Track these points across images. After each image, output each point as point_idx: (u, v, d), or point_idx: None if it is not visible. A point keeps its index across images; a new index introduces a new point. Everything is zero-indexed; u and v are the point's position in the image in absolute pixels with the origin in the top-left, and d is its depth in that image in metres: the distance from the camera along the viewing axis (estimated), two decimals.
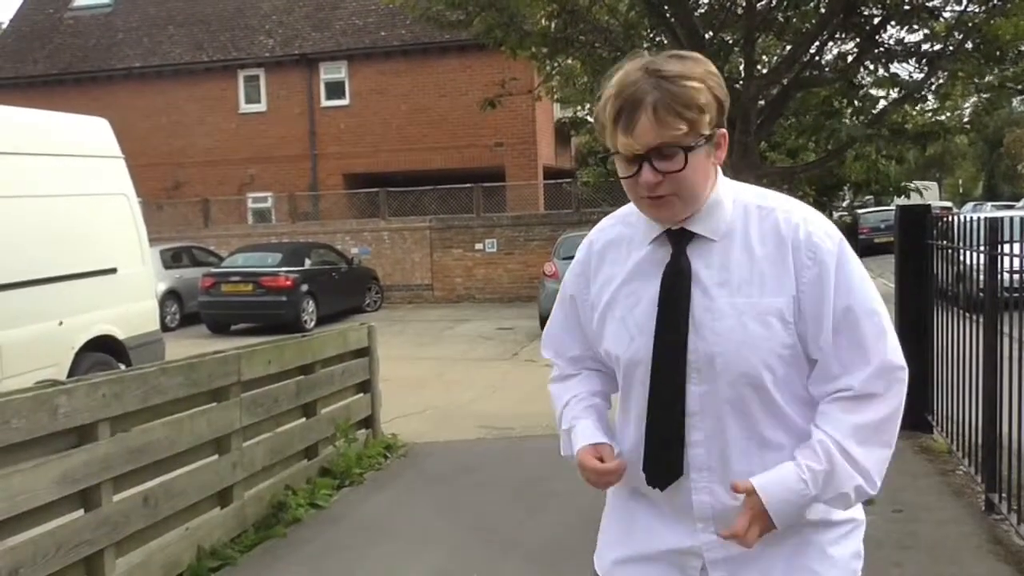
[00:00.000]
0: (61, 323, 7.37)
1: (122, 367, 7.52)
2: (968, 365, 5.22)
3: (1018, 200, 36.16)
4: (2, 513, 3.41)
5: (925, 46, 7.30)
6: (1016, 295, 4.77)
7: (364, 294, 19.75)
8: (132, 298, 8.40)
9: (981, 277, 4.90)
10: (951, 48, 7.06)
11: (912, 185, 16.62)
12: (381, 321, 10.92)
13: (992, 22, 6.87)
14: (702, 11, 7.41)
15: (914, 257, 6.55)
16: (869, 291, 1.71)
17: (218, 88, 25.51)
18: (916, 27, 7.31)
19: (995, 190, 52.91)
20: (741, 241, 1.71)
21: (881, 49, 7.36)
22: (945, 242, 6.05)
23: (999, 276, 4.77)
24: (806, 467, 1.65)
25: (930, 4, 7.03)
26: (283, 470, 5.68)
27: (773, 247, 1.70)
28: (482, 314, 18.68)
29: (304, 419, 6.03)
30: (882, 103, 8.20)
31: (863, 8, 7.12)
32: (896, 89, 7.80)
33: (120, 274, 8.22)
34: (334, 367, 6.49)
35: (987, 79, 8.15)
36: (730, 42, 7.59)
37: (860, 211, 33.45)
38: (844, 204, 34.33)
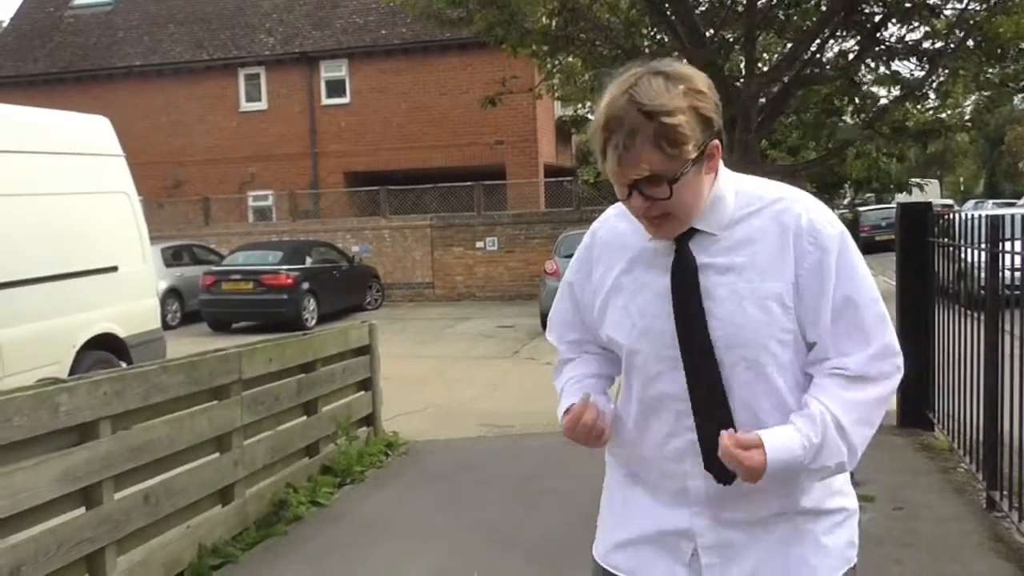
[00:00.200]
0: (61, 321, 7.38)
1: (123, 365, 7.52)
2: (969, 363, 5.22)
3: (1019, 198, 36.17)
4: (4, 511, 3.41)
5: (926, 44, 7.29)
6: (1017, 293, 4.78)
7: (365, 292, 19.76)
8: (133, 296, 8.40)
9: (982, 275, 4.90)
10: (952, 46, 7.05)
11: (916, 181, 16.64)
12: (382, 319, 10.92)
13: (993, 20, 6.86)
14: (703, 9, 7.41)
15: (915, 255, 6.55)
16: (868, 279, 1.76)
17: (219, 86, 25.51)
18: (917, 25, 7.31)
19: (996, 188, 52.89)
20: (743, 231, 1.75)
21: (882, 47, 7.35)
22: (946, 240, 6.05)
23: (1000, 274, 4.77)
24: (806, 435, 1.67)
25: (931, 2, 7.02)
26: (284, 468, 5.68)
27: (774, 235, 1.73)
28: (483, 312, 18.68)
29: (305, 417, 6.03)
30: (883, 101, 8.20)
31: (864, 6, 7.12)
32: (897, 87, 7.80)
33: (121, 272, 8.23)
34: (335, 365, 6.49)
35: (988, 77, 8.14)
36: (731, 40, 7.58)
37: (861, 209, 33.45)
38: (845, 202, 34.34)
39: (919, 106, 8.47)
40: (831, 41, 7.55)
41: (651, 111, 1.60)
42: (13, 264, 6.91)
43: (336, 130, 25.02)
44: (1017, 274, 4.62)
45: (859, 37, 7.38)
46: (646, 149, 1.61)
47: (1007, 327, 4.72)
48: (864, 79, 8.02)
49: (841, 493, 1.84)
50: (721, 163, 1.76)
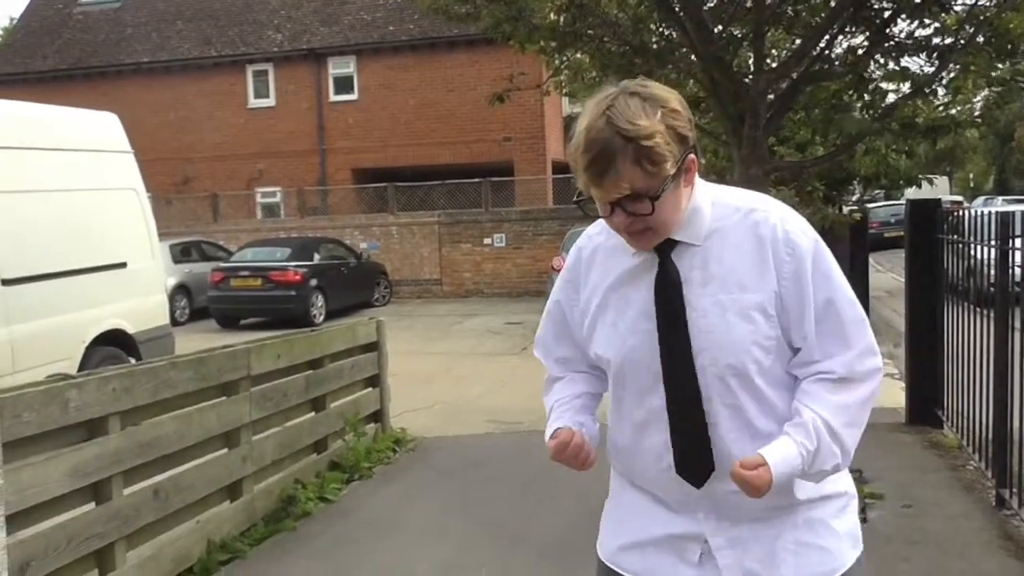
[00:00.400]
0: (71, 317, 7.40)
1: (132, 361, 7.55)
2: (979, 360, 5.20)
3: None
4: (13, 506, 3.41)
5: (936, 40, 7.24)
6: None
7: (373, 289, 19.77)
8: (142, 292, 8.43)
9: (992, 272, 4.88)
10: (962, 42, 7.01)
11: (925, 176, 16.55)
12: (390, 316, 10.93)
13: (1003, 16, 6.82)
14: (711, 5, 7.37)
15: (924, 252, 6.53)
16: (845, 283, 1.81)
17: (227, 83, 25.55)
18: (927, 21, 7.26)
19: (1006, 184, 52.63)
20: (722, 242, 1.80)
21: (891, 43, 7.31)
22: (956, 236, 6.03)
23: (1010, 271, 4.76)
24: (802, 444, 1.73)
25: None
26: (292, 464, 5.69)
27: (752, 246, 1.78)
28: (491, 309, 18.68)
29: (313, 413, 6.04)
30: (891, 97, 8.15)
31: (873, 1, 7.08)
32: (907, 83, 7.76)
33: (130, 269, 8.25)
34: (343, 361, 6.50)
35: (998, 73, 8.09)
36: (739, 36, 7.54)
37: (870, 205, 33.35)
38: (854, 198, 34.23)
39: (929, 102, 8.42)
40: (840, 37, 7.50)
41: (630, 135, 1.65)
42: (23, 260, 6.94)
43: (344, 127, 25.03)
44: None
45: (868, 33, 7.33)
46: (626, 169, 1.66)
47: (1017, 324, 4.71)
48: (873, 75, 7.97)
49: (839, 476, 1.88)
50: (696, 175, 1.81)
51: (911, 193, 18.95)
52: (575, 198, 1.88)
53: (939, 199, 7.38)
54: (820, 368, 1.77)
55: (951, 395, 6.02)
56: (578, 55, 8.75)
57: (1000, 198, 35.48)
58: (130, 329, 8.10)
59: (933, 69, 7.40)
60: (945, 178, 43.22)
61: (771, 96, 7.13)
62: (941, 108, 8.81)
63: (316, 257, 17.65)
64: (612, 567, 1.96)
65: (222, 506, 4.95)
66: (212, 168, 25.26)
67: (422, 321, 17.13)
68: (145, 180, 8.87)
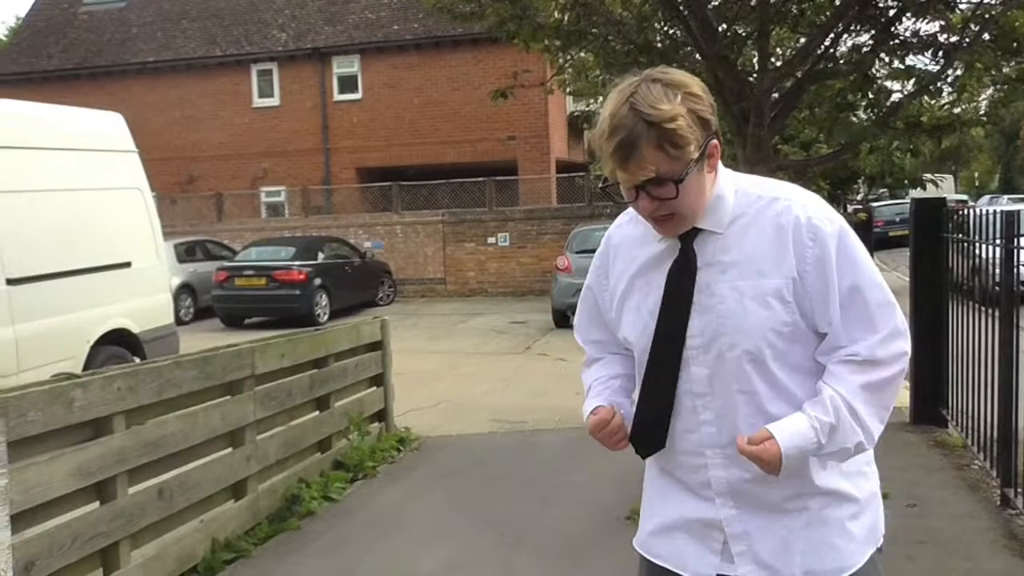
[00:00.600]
0: (75, 317, 7.42)
1: (137, 360, 7.56)
2: (983, 359, 5.18)
3: None
4: (18, 505, 3.42)
5: (941, 38, 7.23)
6: None
7: (377, 288, 19.79)
8: (146, 292, 8.44)
9: (997, 271, 4.87)
10: (967, 40, 6.99)
11: (929, 177, 16.56)
12: (394, 315, 10.94)
13: (1009, 14, 6.81)
14: (715, 3, 7.36)
15: (929, 251, 6.51)
16: (871, 266, 1.82)
17: (231, 82, 25.58)
18: (932, 19, 7.25)
19: (1012, 183, 52.51)
20: (743, 229, 1.83)
21: (896, 41, 7.29)
22: (960, 235, 6.02)
23: (1015, 270, 4.74)
24: (816, 418, 1.75)
25: None
26: (297, 463, 5.70)
27: (773, 233, 1.81)
28: (495, 308, 18.68)
29: (317, 412, 6.05)
30: (896, 95, 8.13)
31: (878, 0, 7.07)
32: (911, 81, 7.75)
33: (134, 268, 8.27)
34: (347, 361, 6.50)
35: (1004, 71, 8.07)
36: (744, 34, 7.54)
37: (875, 204, 33.29)
38: (859, 197, 34.18)
39: (933, 101, 8.41)
40: (845, 35, 7.49)
41: (653, 119, 1.69)
42: (28, 260, 6.95)
43: (348, 126, 25.05)
44: None
45: (873, 31, 7.32)
46: (649, 152, 1.70)
47: (1022, 323, 4.70)
48: (878, 74, 7.96)
49: (861, 475, 1.90)
50: (720, 163, 1.84)
51: (916, 193, 18.93)
52: (600, 184, 1.92)
53: (944, 198, 7.37)
54: (847, 351, 1.79)
55: (956, 394, 6.01)
56: (582, 54, 8.75)
57: (1005, 197, 35.38)
58: (135, 328, 8.12)
59: (938, 67, 7.38)
60: (950, 177, 43.10)
61: (775, 95, 7.12)
62: (946, 107, 8.79)
63: (320, 256, 17.66)
64: (644, 554, 2.01)
65: (226, 505, 4.95)
66: (217, 167, 25.29)
67: (426, 320, 17.14)
68: (150, 179, 8.89)
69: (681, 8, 6.85)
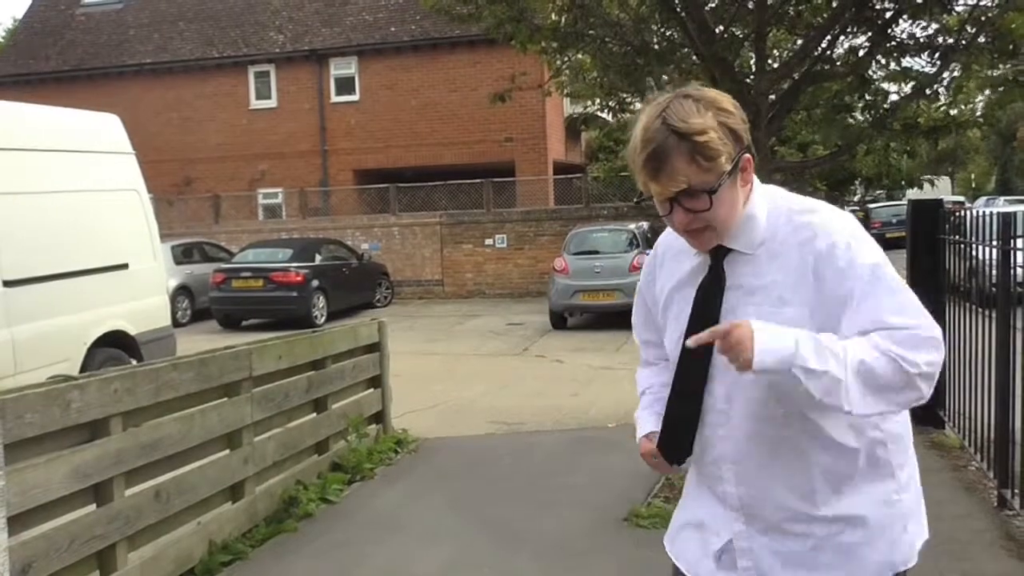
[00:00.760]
0: (72, 319, 7.41)
1: (134, 362, 7.55)
2: (980, 360, 5.19)
3: None
4: (15, 507, 3.42)
5: (938, 40, 7.25)
6: None
7: (374, 290, 19.78)
8: (143, 294, 8.44)
9: (994, 272, 4.88)
10: (964, 42, 7.01)
11: (927, 177, 16.58)
12: (391, 316, 10.94)
13: (1005, 16, 6.82)
14: (713, 5, 7.37)
15: (926, 252, 6.52)
16: (895, 289, 1.77)
17: (229, 84, 25.58)
18: (928, 21, 7.27)
19: (1008, 184, 52.55)
20: (771, 253, 1.84)
21: (893, 43, 7.31)
22: (957, 237, 6.02)
23: (1012, 271, 4.75)
24: (796, 333, 1.69)
25: None
26: (294, 465, 5.69)
27: (798, 260, 1.80)
28: (492, 310, 18.68)
29: (315, 414, 6.04)
30: (893, 97, 8.15)
31: (875, 2, 7.08)
32: (908, 83, 7.76)
33: (131, 270, 8.26)
34: (345, 362, 6.50)
35: (999, 73, 8.10)
36: (741, 36, 7.55)
37: (872, 206, 33.33)
38: (856, 199, 34.22)
39: (930, 102, 8.42)
40: (842, 37, 7.51)
41: (684, 132, 1.72)
42: (24, 262, 6.94)
43: (346, 127, 25.04)
44: None
45: (870, 33, 7.34)
46: (682, 165, 1.73)
47: (1019, 325, 4.70)
48: (875, 75, 7.98)
49: (886, 504, 1.86)
50: (757, 180, 1.86)
51: (913, 193, 18.96)
52: (636, 199, 1.95)
53: (941, 199, 7.38)
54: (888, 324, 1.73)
55: (953, 395, 6.01)
56: (580, 56, 8.76)
57: (1002, 198, 35.44)
58: (132, 330, 8.11)
59: (935, 69, 7.40)
60: (947, 178, 43.16)
61: (773, 96, 7.13)
62: (943, 108, 8.80)
63: (318, 258, 17.65)
64: (670, 555, 2.08)
65: (224, 507, 4.95)
66: (214, 169, 25.28)
67: (424, 322, 17.13)
68: (147, 181, 8.88)
69: (678, 10, 6.86)
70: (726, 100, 1.80)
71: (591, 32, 7.57)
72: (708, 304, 1.86)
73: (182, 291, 17.94)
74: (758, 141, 6.63)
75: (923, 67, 7.68)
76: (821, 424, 1.81)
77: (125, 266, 8.17)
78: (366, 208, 23.53)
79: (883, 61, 7.60)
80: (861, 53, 7.52)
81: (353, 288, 18.61)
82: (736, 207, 1.82)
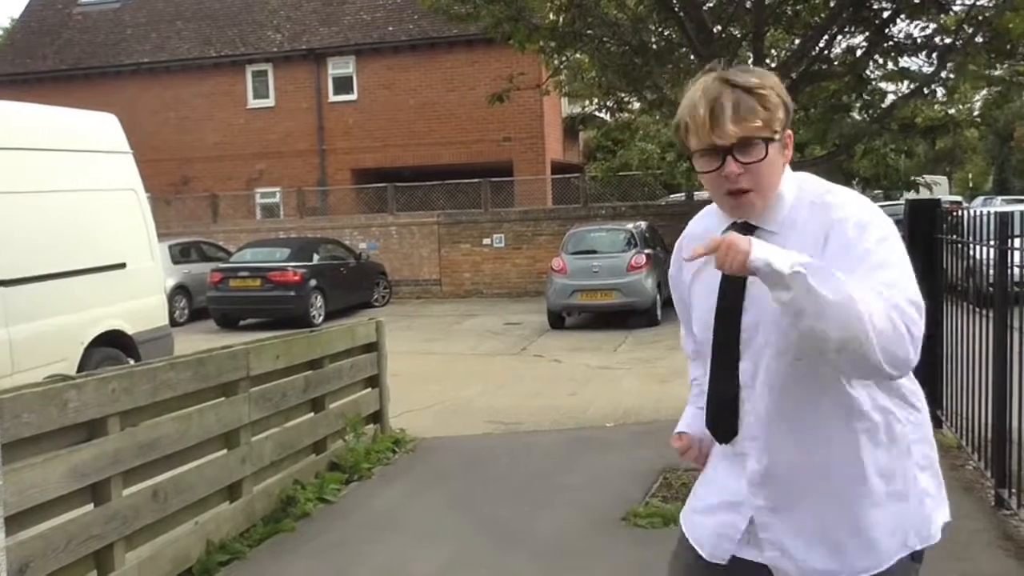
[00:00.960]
0: (70, 318, 7.40)
1: (131, 362, 7.55)
2: (978, 360, 5.20)
3: None
4: (12, 507, 3.41)
5: (935, 40, 7.26)
6: None
7: (372, 289, 19.77)
8: (141, 293, 8.43)
9: (991, 272, 4.88)
10: (961, 42, 7.02)
11: (922, 180, 16.56)
12: (389, 316, 10.93)
13: (1003, 16, 6.83)
14: (711, 5, 7.37)
15: (923, 252, 6.51)
16: (903, 275, 1.77)
17: (226, 83, 25.55)
18: (926, 21, 7.28)
19: (1006, 184, 52.59)
20: (791, 231, 1.89)
21: (891, 43, 7.32)
22: (955, 237, 6.03)
23: (1009, 271, 4.75)
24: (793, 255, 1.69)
25: None
26: (292, 464, 5.69)
27: (817, 239, 1.84)
28: (490, 309, 18.68)
29: (312, 414, 6.04)
30: (891, 97, 8.17)
31: (872, 2, 7.09)
32: (905, 83, 7.78)
33: (129, 269, 8.25)
34: (342, 362, 6.50)
35: (997, 73, 8.12)
36: (739, 36, 7.55)
37: None
38: None
39: (928, 102, 8.44)
40: (839, 37, 7.52)
41: (746, 86, 1.83)
42: (22, 261, 6.94)
43: (343, 127, 25.03)
44: None
45: (867, 33, 7.35)
46: (743, 112, 1.82)
47: (1016, 324, 4.70)
48: (872, 75, 7.99)
49: (904, 479, 1.90)
50: (788, 166, 1.95)
51: (910, 193, 18.96)
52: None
53: (938, 199, 7.39)
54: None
55: (950, 395, 6.02)
56: (577, 55, 8.76)
57: (999, 198, 35.47)
58: (129, 330, 8.10)
59: (932, 69, 7.41)
60: (944, 178, 43.18)
61: None
62: (940, 108, 8.82)
63: (315, 257, 17.64)
64: (682, 527, 2.12)
65: (221, 507, 4.94)
66: (211, 168, 25.26)
67: (421, 321, 17.13)
68: (144, 180, 8.87)
69: (676, 9, 6.86)
70: (773, 77, 1.91)
71: (589, 32, 7.57)
72: (735, 286, 1.90)
73: (180, 291, 17.92)
74: None
75: (920, 67, 7.70)
76: (840, 398, 1.85)
77: (123, 265, 8.16)
78: (364, 208, 23.52)
79: (880, 61, 7.61)
80: (859, 53, 7.53)
81: (351, 288, 18.60)
82: (778, 175, 1.90)
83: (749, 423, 1.93)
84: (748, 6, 6.96)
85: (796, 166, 2.04)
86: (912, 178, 15.85)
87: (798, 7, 7.37)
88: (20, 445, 3.51)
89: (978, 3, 7.04)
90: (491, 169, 22.86)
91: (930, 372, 6.39)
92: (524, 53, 8.27)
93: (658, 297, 14.40)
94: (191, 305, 18.29)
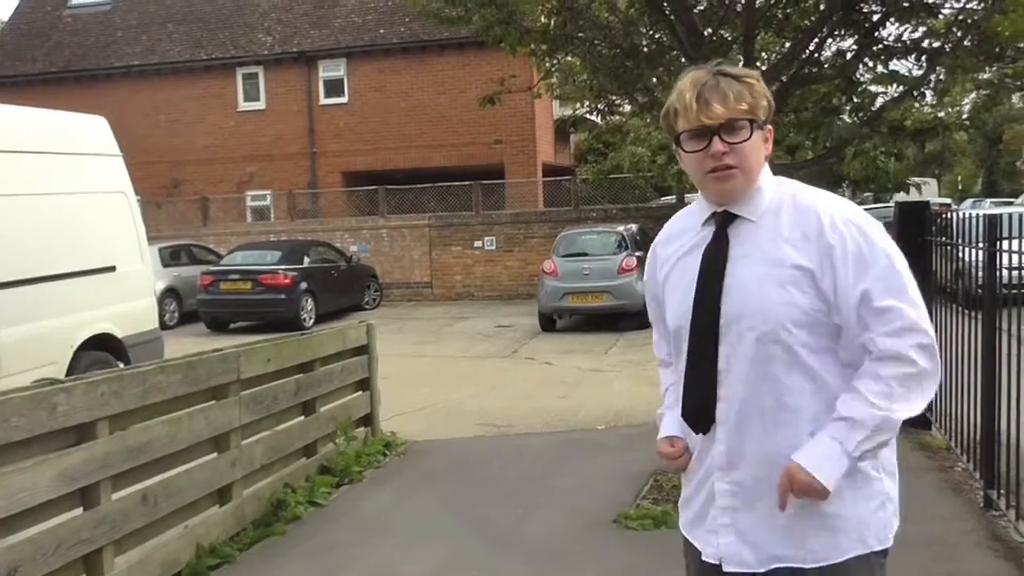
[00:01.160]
0: (59, 322, 7.37)
1: (121, 365, 7.52)
2: (967, 362, 5.22)
3: (1017, 196, 36.16)
4: (1, 511, 3.41)
5: (924, 43, 7.28)
6: (1015, 292, 4.78)
7: (363, 292, 19.75)
8: (131, 296, 8.40)
9: (980, 274, 4.90)
10: (950, 45, 7.05)
11: (914, 180, 16.64)
12: (380, 319, 10.92)
13: (991, 19, 6.86)
14: (701, 8, 7.38)
15: (913, 254, 6.52)
16: (894, 269, 1.91)
17: (217, 86, 25.50)
18: (915, 24, 7.30)
19: (995, 186, 52.83)
20: (773, 224, 1.96)
21: (880, 46, 7.34)
22: (944, 239, 6.05)
23: (998, 273, 4.77)
24: (834, 429, 1.90)
25: (929, 1, 7.02)
26: (282, 468, 5.68)
27: (800, 234, 1.93)
28: (481, 312, 18.68)
29: (303, 417, 6.03)
30: (880, 100, 8.19)
31: (862, 5, 7.11)
32: (895, 86, 7.80)
33: (119, 272, 8.22)
34: (333, 365, 6.48)
35: (986, 76, 8.14)
36: (729, 39, 7.56)
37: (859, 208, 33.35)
38: None
39: (917, 105, 8.46)
40: (829, 40, 7.53)
41: (734, 74, 1.95)
42: (11, 264, 6.90)
43: (334, 130, 25.00)
44: (1015, 273, 4.62)
45: (857, 36, 7.37)
46: (732, 96, 1.91)
47: (1005, 326, 4.73)
48: (862, 78, 8.01)
49: (864, 476, 1.95)
50: (767, 164, 2.03)
51: (900, 198, 19.05)
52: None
53: (927, 201, 7.41)
54: (864, 343, 1.89)
55: (939, 397, 6.03)
56: (569, 58, 8.76)
57: (988, 200, 35.63)
58: (119, 333, 8.07)
59: (921, 72, 7.43)
60: (933, 181, 43.36)
61: None
62: (930, 111, 8.86)
63: (306, 260, 17.61)
64: (684, 534, 2.15)
65: (211, 511, 4.93)
66: (202, 171, 25.20)
67: (412, 324, 17.11)
68: (134, 183, 8.85)
69: (667, 12, 6.87)
70: (758, 75, 2.03)
71: (580, 35, 7.57)
72: (713, 267, 1.97)
73: (170, 293, 17.86)
74: None
75: (910, 70, 7.72)
76: (809, 390, 1.91)
77: (112, 269, 8.13)
78: (355, 210, 23.49)
79: (870, 64, 7.63)
80: (849, 56, 7.55)
81: (342, 290, 18.57)
82: (760, 163, 1.97)
83: (722, 409, 1.97)
84: (739, 9, 6.97)
85: (787, 169, 2.08)
86: (905, 180, 15.92)
87: (788, 10, 7.38)
88: (9, 449, 3.50)
89: (967, 6, 7.07)
90: (482, 172, 22.87)
91: None
92: (515, 56, 8.26)
93: None
94: (181, 308, 18.24)
